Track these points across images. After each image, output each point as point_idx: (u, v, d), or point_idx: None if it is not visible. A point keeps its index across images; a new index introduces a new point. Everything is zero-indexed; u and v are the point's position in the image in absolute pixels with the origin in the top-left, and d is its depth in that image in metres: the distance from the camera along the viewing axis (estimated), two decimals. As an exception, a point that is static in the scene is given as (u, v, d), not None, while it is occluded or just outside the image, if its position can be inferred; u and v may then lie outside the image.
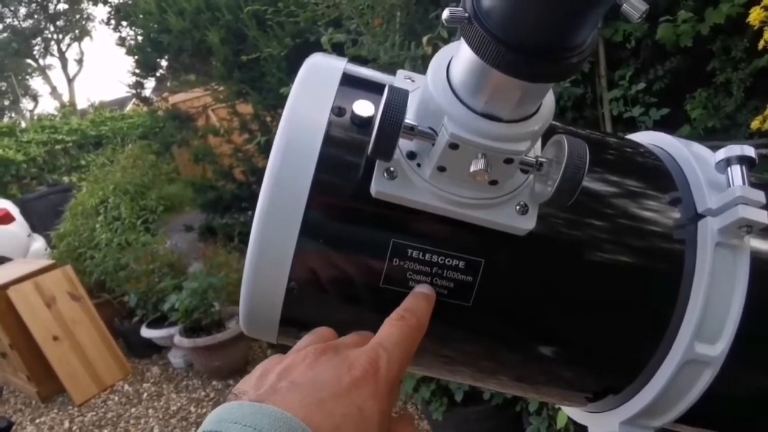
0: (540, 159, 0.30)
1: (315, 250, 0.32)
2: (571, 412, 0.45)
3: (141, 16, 3.88)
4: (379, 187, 0.31)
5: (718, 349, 0.34)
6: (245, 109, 3.63)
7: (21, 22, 23.40)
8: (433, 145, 0.30)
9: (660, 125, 2.47)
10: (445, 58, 0.30)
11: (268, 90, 3.30)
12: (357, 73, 0.37)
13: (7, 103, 25.74)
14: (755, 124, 1.07)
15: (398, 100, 0.28)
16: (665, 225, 0.36)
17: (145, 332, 3.18)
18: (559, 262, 0.34)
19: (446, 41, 2.36)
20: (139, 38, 4.46)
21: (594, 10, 0.23)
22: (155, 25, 3.95)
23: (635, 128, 2.39)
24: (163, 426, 2.69)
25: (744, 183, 0.34)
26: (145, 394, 3.02)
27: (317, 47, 2.48)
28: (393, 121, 0.28)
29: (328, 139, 0.32)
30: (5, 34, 23.53)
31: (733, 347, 0.34)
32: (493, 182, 0.31)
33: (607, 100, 2.56)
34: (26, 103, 25.71)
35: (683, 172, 0.38)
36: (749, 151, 0.35)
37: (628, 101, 2.40)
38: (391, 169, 0.31)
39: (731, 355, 0.34)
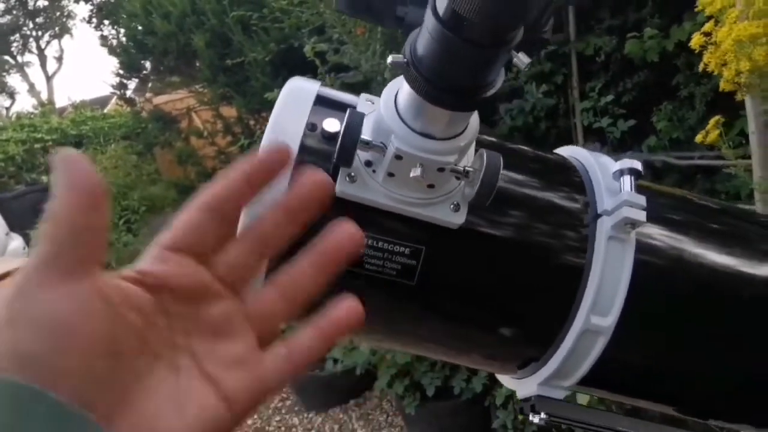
0: (467, 168, 0.39)
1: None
2: (504, 380, 0.54)
3: (125, 17, 3.91)
4: (341, 188, 0.39)
5: (609, 320, 0.42)
6: (229, 112, 3.68)
7: (-1, 18, 22.99)
8: (384, 156, 0.38)
9: (628, 136, 2.60)
10: (394, 88, 0.38)
11: (252, 94, 3.37)
12: (328, 94, 0.45)
13: (-18, 99, 25.22)
14: (698, 138, 1.18)
15: (356, 120, 0.36)
16: (574, 223, 0.45)
17: (126, 331, 3.21)
18: (485, 250, 0.43)
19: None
20: (123, 39, 4.48)
21: (493, 67, 0.32)
22: (140, 27, 3.99)
23: (604, 138, 2.51)
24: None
25: (631, 189, 0.43)
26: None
27: (301, 53, 2.56)
28: (351, 137, 0.36)
29: (303, 149, 0.40)
30: (-18, 30, 23.09)
31: (621, 319, 0.43)
32: (431, 186, 0.39)
33: (579, 110, 2.68)
34: (2, 101, 25.22)
35: (591, 179, 0.47)
36: (637, 164, 0.44)
37: (597, 112, 2.51)
38: (352, 174, 0.39)
39: (619, 325, 0.43)
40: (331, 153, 0.40)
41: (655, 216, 0.47)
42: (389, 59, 0.34)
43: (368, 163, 0.40)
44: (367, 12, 0.44)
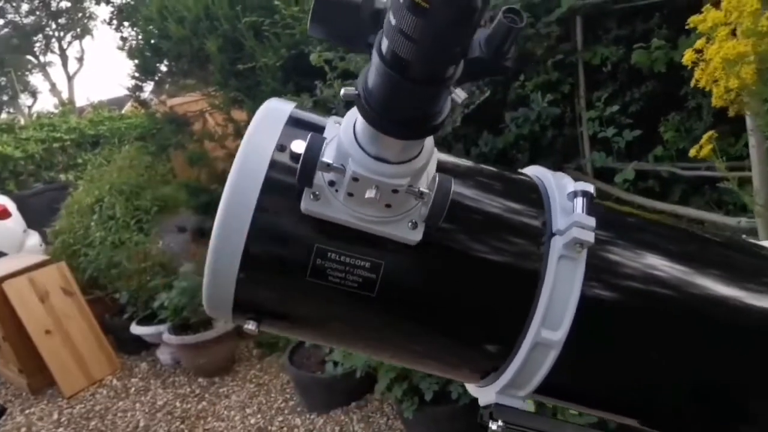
0: (422, 190, 0.42)
1: (259, 249, 0.44)
2: (469, 387, 0.56)
3: (141, 22, 3.99)
4: (306, 205, 0.42)
5: (559, 335, 0.45)
6: (240, 115, 3.74)
7: (23, 19, 23.49)
8: (344, 177, 0.41)
9: (634, 145, 2.60)
10: (354, 114, 0.41)
11: (262, 98, 3.38)
12: (301, 116, 0.48)
13: (6, 98, 25.76)
14: (692, 152, 1.19)
15: (315, 144, 0.39)
16: (531, 241, 0.47)
17: (135, 329, 3.28)
18: (443, 265, 0.46)
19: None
20: (140, 42, 4.57)
21: (436, 100, 0.35)
22: (156, 31, 4.06)
23: (610, 147, 2.51)
24: (149, 420, 2.78)
25: (583, 211, 0.45)
26: (133, 389, 3.11)
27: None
28: (310, 161, 0.39)
29: (272, 167, 0.43)
30: (6, 30, 23.62)
31: (571, 333, 0.45)
32: (388, 205, 0.42)
33: (586, 119, 2.68)
34: (25, 99, 25.75)
35: (549, 199, 0.49)
36: (590, 187, 0.46)
37: (603, 122, 2.51)
38: (316, 192, 0.42)
39: (570, 339, 0.45)
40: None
41: (611, 236, 0.49)
42: (341, 91, 0.37)
43: (331, 183, 0.43)
44: (339, 39, 0.47)
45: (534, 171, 0.54)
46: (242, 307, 0.46)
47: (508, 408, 0.48)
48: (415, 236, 0.43)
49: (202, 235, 3.74)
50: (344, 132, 0.41)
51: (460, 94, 0.35)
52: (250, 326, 0.48)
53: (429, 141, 0.42)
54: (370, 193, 0.40)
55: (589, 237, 0.44)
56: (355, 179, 0.40)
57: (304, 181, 0.40)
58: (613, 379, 0.50)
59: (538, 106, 2.45)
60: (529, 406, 0.51)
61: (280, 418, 2.56)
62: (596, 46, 2.60)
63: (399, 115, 0.36)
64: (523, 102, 2.65)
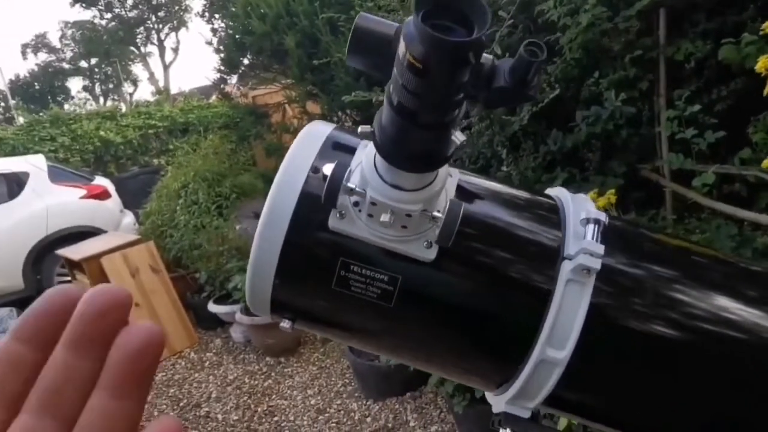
0: (434, 214, 0.46)
1: (292, 259, 0.50)
2: (487, 394, 0.60)
3: (225, 21, 4.24)
4: (333, 223, 0.48)
5: (563, 353, 0.47)
6: (314, 108, 3.89)
7: (127, 13, 25.51)
8: (365, 200, 0.46)
9: (719, 147, 2.44)
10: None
11: (336, 93, 3.54)
12: (338, 138, 0.54)
13: (111, 86, 28.17)
14: (766, 163, 1.12)
15: (338, 172, 0.45)
16: (544, 262, 0.50)
17: (212, 307, 3.53)
18: (456, 280, 0.49)
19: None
20: (226, 36, 4.85)
21: (441, 140, 0.39)
22: (240, 27, 4.30)
23: (689, 149, 2.37)
24: (220, 392, 3.01)
25: (593, 238, 0.47)
26: (207, 363, 3.37)
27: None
28: (333, 186, 0.44)
29: (305, 187, 0.49)
30: (113, 23, 25.76)
31: (576, 353, 0.47)
32: (404, 226, 0.47)
33: (665, 119, 2.54)
34: (127, 87, 28.02)
35: (565, 223, 0.51)
36: (601, 215, 0.48)
37: (682, 122, 2.38)
38: (342, 212, 0.48)
39: (574, 358, 0.47)
40: None
41: (626, 263, 0.51)
42: (359, 129, 0.42)
43: (356, 204, 0.48)
44: (375, 69, 0.51)
45: (557, 192, 0.56)
46: (278, 307, 0.53)
47: (516, 417, 0.52)
48: (430, 255, 0.47)
49: (275, 221, 3.92)
50: (366, 159, 0.46)
51: (459, 136, 0.39)
52: (285, 324, 0.54)
53: (443, 170, 0.46)
54: (385, 217, 0.45)
55: (596, 264, 0.46)
56: (373, 203, 0.45)
57: (328, 203, 0.46)
58: (621, 400, 0.51)
59: (611, 105, 2.36)
60: (561, 424, 0.53)
61: (338, 402, 2.69)
62: (681, 40, 2.45)
63: (408, 152, 0.40)
64: (597, 100, 2.56)
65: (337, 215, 0.48)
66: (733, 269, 0.55)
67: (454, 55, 0.33)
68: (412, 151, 0.40)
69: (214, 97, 9.60)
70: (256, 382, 3.05)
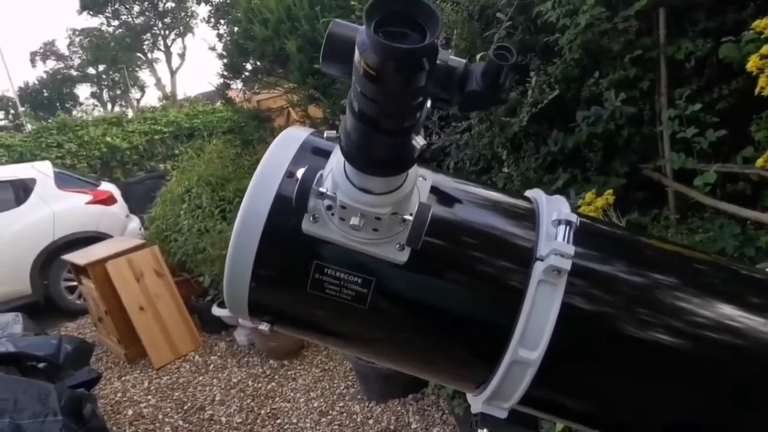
0: (404, 217, 0.46)
1: (267, 262, 0.50)
2: (468, 396, 0.60)
3: (229, 26, 4.26)
4: (306, 226, 0.48)
5: (536, 354, 0.47)
6: (316, 112, 3.89)
7: (134, 19, 25.74)
8: (336, 204, 0.47)
9: (722, 146, 2.42)
10: None
11: (337, 96, 3.55)
12: (313, 143, 0.54)
13: (118, 92, 28.40)
14: (759, 162, 1.12)
15: (309, 176, 0.45)
16: (517, 263, 0.50)
17: (216, 311, 3.55)
18: (429, 282, 0.50)
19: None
20: (230, 42, 4.88)
21: (403, 145, 0.39)
22: (242, 32, 4.33)
23: (691, 148, 2.36)
24: (224, 395, 3.02)
25: (564, 239, 0.47)
26: (212, 366, 3.39)
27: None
28: (303, 190, 0.45)
29: (280, 190, 0.50)
30: (120, 30, 26.00)
31: (548, 353, 0.47)
32: (375, 229, 0.47)
33: (666, 118, 2.53)
34: (134, 93, 28.25)
35: (539, 225, 0.51)
36: (572, 217, 0.48)
37: (684, 121, 2.36)
38: (315, 215, 0.48)
39: (547, 358, 0.47)
40: None
41: (594, 264, 0.51)
42: (325, 134, 0.42)
43: (329, 207, 0.49)
44: (350, 75, 0.52)
45: (534, 194, 0.57)
46: (256, 310, 0.53)
47: (492, 417, 0.52)
48: (402, 257, 0.48)
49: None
50: (336, 165, 0.46)
51: (419, 141, 0.39)
52: (264, 327, 0.54)
53: (413, 172, 0.46)
54: (354, 220, 0.45)
55: (566, 265, 0.46)
56: (343, 207, 0.45)
57: (299, 207, 0.46)
58: (595, 399, 0.51)
59: (611, 105, 2.35)
60: (555, 428, 0.53)
61: (341, 404, 2.69)
62: (681, 39, 2.44)
63: (373, 157, 0.41)
64: (597, 100, 2.55)
65: (310, 219, 0.49)
66: (705, 265, 0.55)
67: (407, 61, 0.34)
68: (376, 155, 0.41)
69: (219, 102, 9.67)
70: (260, 384, 3.05)
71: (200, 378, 3.26)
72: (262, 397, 2.92)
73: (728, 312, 0.50)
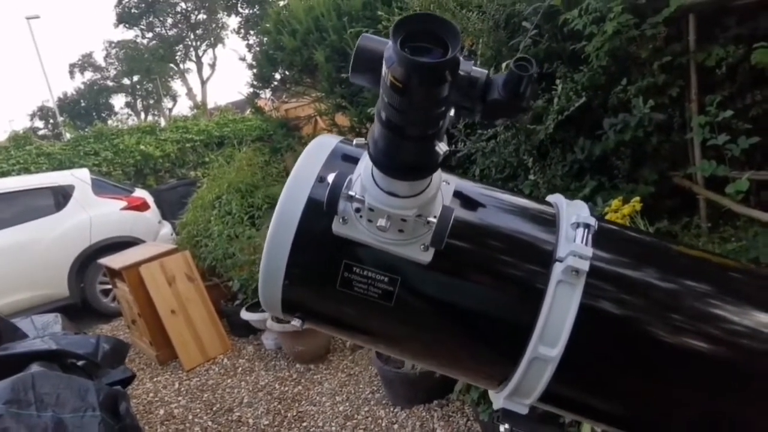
0: (428, 219, 0.49)
1: (299, 261, 0.54)
2: (490, 393, 0.62)
3: (259, 37, 4.38)
4: (336, 227, 0.51)
5: (555, 351, 0.49)
6: (343, 120, 3.96)
7: (168, 31, 26.54)
8: (364, 206, 0.50)
9: (756, 153, 2.37)
10: None
11: (363, 104, 3.60)
12: (343, 150, 0.58)
13: (152, 102, 29.26)
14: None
15: (339, 181, 0.48)
16: (538, 264, 0.52)
17: (244, 315, 3.62)
18: (452, 281, 0.52)
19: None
20: (259, 52, 5.01)
21: (427, 150, 0.42)
22: (272, 43, 4.44)
23: (723, 156, 2.33)
24: (252, 397, 3.08)
25: (582, 241, 0.49)
26: (240, 369, 3.45)
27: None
28: (333, 194, 0.48)
29: (312, 194, 0.53)
30: (154, 42, 26.84)
31: (568, 350, 0.49)
32: (401, 231, 0.50)
33: (697, 124, 2.50)
34: (166, 103, 29.06)
35: (558, 227, 0.54)
36: (591, 220, 0.50)
37: (714, 128, 2.33)
38: (345, 217, 0.51)
39: (566, 355, 0.49)
40: None
41: (613, 266, 0.53)
42: (354, 141, 0.45)
43: (357, 210, 0.52)
44: (378, 85, 0.55)
45: (554, 199, 0.59)
46: (289, 307, 0.57)
47: (513, 413, 0.54)
48: (426, 257, 0.51)
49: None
50: (365, 169, 0.50)
51: (442, 147, 0.42)
52: (296, 323, 0.58)
53: (436, 177, 0.49)
54: (381, 222, 0.48)
55: (584, 266, 0.48)
56: (371, 209, 0.49)
57: (329, 209, 0.50)
58: (614, 396, 0.53)
59: (639, 112, 2.33)
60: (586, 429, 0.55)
61: (366, 408, 2.71)
62: (711, 45, 2.41)
63: (399, 162, 0.44)
64: (625, 107, 2.53)
65: (340, 220, 0.52)
66: (727, 270, 0.56)
67: (431, 74, 0.37)
68: (402, 161, 0.44)
69: (248, 111, 9.88)
70: (286, 388, 3.10)
71: (229, 380, 3.32)
72: (289, 400, 2.96)
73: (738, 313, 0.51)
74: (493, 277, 0.53)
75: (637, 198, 1.77)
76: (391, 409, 2.66)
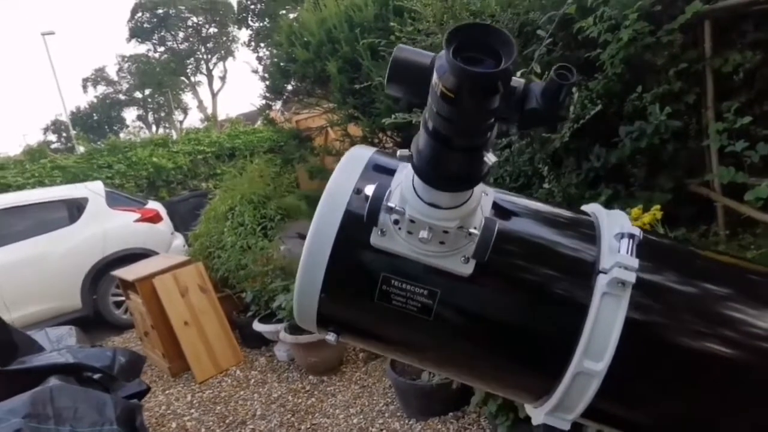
0: (470, 231, 0.48)
1: (337, 274, 0.53)
2: (527, 408, 0.60)
3: (270, 49, 4.43)
4: (374, 240, 0.50)
5: (601, 365, 0.48)
6: (355, 131, 3.97)
7: (179, 45, 26.93)
8: (404, 218, 0.49)
9: (771, 160, 2.33)
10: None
11: (376, 115, 3.61)
12: (378, 161, 0.57)
13: (163, 114, 29.61)
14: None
15: (379, 193, 0.48)
16: (580, 276, 0.51)
17: (257, 326, 3.61)
18: (493, 294, 0.51)
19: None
20: (271, 64, 5.05)
21: (473, 161, 0.41)
22: (284, 55, 4.47)
23: (741, 162, 2.30)
24: (265, 409, 3.06)
25: (627, 252, 0.48)
26: (253, 381, 3.44)
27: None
28: (374, 206, 0.47)
29: (349, 206, 0.53)
30: (166, 56, 27.23)
31: (614, 365, 0.48)
32: (442, 242, 0.49)
33: (714, 131, 2.47)
34: (177, 115, 29.39)
35: (600, 238, 0.52)
36: (635, 230, 0.49)
37: (732, 135, 2.30)
38: (383, 229, 0.51)
39: (612, 370, 0.48)
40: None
41: (657, 277, 0.51)
42: (398, 153, 0.45)
43: (396, 222, 0.51)
44: (414, 96, 0.54)
45: (592, 209, 0.58)
46: (324, 321, 0.56)
47: (554, 429, 0.52)
48: (467, 269, 0.50)
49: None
50: (405, 180, 0.49)
51: (490, 158, 0.41)
52: (330, 337, 0.57)
53: (478, 188, 0.48)
54: (423, 233, 0.47)
55: (630, 277, 0.47)
56: (412, 221, 0.48)
57: (370, 221, 0.49)
58: (660, 412, 0.51)
59: (655, 119, 2.31)
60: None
61: (381, 421, 2.68)
62: (728, 51, 2.39)
63: (443, 173, 0.43)
64: (641, 114, 2.51)
65: (379, 233, 0.51)
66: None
67: (483, 85, 0.36)
68: (447, 171, 0.43)
69: (259, 123, 9.95)
70: (300, 400, 3.08)
71: (241, 392, 3.31)
72: (302, 412, 2.94)
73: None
74: (535, 289, 0.52)
75: (658, 206, 1.74)
76: (406, 421, 2.63)
